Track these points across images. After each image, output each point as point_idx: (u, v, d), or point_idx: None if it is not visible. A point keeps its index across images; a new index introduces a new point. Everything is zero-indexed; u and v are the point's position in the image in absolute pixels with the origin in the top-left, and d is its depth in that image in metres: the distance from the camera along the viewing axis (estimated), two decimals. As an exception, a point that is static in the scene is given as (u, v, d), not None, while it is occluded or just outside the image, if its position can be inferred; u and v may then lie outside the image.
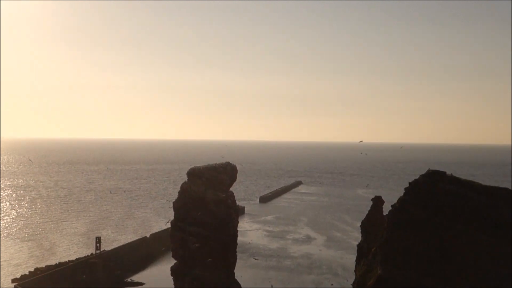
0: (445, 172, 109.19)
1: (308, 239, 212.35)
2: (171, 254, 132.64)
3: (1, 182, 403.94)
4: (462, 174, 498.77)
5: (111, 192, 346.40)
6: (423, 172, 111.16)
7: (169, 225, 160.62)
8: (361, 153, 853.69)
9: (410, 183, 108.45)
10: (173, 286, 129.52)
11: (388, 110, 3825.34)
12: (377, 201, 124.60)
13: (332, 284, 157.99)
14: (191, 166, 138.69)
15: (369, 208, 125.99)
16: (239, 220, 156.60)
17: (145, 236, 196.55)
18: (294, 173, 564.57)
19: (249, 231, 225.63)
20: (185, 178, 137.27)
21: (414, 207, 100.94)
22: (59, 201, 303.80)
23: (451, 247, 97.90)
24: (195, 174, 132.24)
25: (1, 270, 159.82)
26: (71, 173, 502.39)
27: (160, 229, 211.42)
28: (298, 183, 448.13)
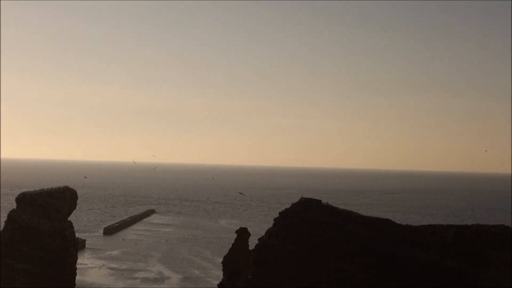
0: (320, 201, 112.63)
1: (161, 278, 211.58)
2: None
3: None
4: (342, 202, 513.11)
5: None
6: (297, 200, 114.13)
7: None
8: (212, 178, 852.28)
9: (280, 213, 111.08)
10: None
11: (268, 129, 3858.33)
12: (242, 234, 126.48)
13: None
14: (22, 191, 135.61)
15: (232, 242, 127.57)
16: (79, 255, 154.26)
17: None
18: (146, 200, 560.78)
19: (90, 269, 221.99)
20: (15, 205, 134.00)
21: (284, 240, 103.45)
22: None
23: (325, 285, 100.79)
24: (25, 200, 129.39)
25: None
26: None
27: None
28: (151, 212, 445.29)
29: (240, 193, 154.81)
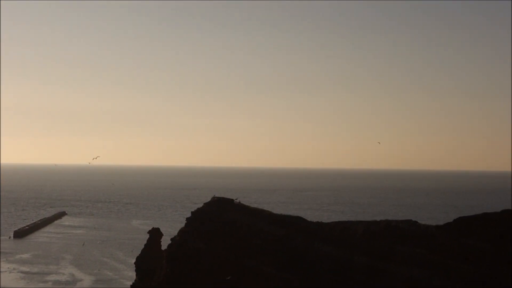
0: (232, 200, 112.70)
1: (73, 280, 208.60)
2: None
3: None
4: (254, 201, 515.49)
5: None
6: (210, 199, 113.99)
7: None
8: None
9: (192, 213, 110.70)
10: None
11: (179, 129, 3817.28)
12: (155, 234, 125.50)
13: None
14: None
15: (145, 242, 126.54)
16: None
17: None
18: (57, 202, 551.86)
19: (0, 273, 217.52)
20: None
21: (197, 240, 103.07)
22: None
23: (239, 284, 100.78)
24: None
25: None
26: None
27: None
28: (62, 214, 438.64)
29: (236, 199, 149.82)
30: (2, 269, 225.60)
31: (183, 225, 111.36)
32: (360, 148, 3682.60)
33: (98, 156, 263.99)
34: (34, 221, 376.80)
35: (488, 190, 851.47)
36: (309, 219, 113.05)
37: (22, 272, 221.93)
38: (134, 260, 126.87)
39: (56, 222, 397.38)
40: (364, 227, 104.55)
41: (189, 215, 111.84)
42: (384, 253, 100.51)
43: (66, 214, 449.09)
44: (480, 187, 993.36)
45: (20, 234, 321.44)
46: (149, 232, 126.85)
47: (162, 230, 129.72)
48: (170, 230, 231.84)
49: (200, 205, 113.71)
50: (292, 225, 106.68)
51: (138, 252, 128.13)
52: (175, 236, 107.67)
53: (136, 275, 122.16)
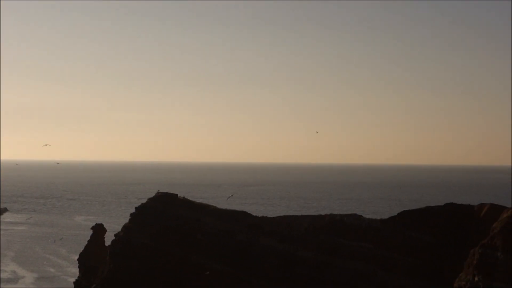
0: (177, 195, 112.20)
1: (15, 278, 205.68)
2: None
3: None
4: (199, 196, 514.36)
5: None
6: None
7: None
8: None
9: (136, 208, 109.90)
10: None
11: (124, 124, 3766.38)
12: (98, 230, 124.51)
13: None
14: None
15: (88, 238, 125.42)
16: None
17: None
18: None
19: None
20: None
21: (141, 235, 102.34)
22: None
23: (186, 280, 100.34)
24: None
25: None
26: None
27: None
28: (3, 211, 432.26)
29: (231, 196, 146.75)
30: None
31: (127, 220, 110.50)
32: (309, 142, 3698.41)
33: (48, 144, 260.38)
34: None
35: (434, 184, 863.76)
36: (254, 214, 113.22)
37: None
38: (77, 257, 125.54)
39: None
40: (309, 221, 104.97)
41: (133, 210, 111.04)
42: (329, 247, 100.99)
43: (8, 210, 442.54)
44: (428, 180, 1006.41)
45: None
46: (93, 228, 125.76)
47: (106, 226, 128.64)
48: (114, 226, 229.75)
49: (145, 201, 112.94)
50: (237, 220, 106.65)
51: (81, 249, 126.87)
52: (119, 232, 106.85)
53: (80, 271, 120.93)
